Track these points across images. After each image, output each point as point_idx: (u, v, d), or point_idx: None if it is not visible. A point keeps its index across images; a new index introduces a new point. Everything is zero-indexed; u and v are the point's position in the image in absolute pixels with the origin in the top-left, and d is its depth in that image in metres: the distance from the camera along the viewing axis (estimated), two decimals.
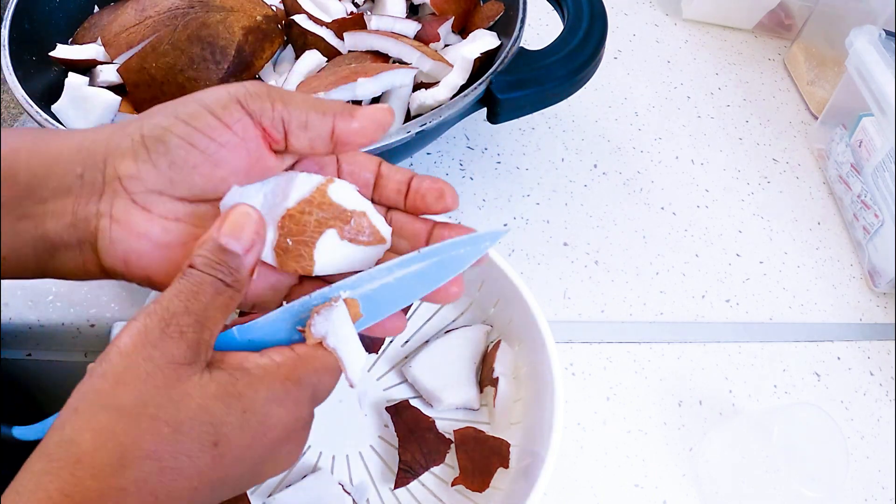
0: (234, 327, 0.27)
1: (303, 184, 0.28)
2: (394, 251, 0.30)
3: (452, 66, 0.50)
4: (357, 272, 0.28)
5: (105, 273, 0.26)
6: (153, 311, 0.23)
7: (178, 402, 0.23)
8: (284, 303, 0.28)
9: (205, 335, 0.24)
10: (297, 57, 0.51)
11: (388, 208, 0.31)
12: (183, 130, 0.25)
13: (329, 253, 0.28)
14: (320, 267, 0.28)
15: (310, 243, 0.28)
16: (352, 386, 0.27)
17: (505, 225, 0.30)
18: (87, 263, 0.26)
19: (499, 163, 0.62)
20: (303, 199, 0.28)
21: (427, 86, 0.50)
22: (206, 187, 0.26)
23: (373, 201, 0.30)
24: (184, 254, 0.26)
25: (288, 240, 0.28)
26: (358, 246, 0.28)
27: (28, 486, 0.21)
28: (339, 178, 0.30)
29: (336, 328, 0.27)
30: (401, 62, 0.51)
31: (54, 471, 0.21)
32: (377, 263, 0.29)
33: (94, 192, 0.25)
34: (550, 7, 0.57)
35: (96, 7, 0.56)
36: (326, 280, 0.29)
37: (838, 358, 0.57)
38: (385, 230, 0.29)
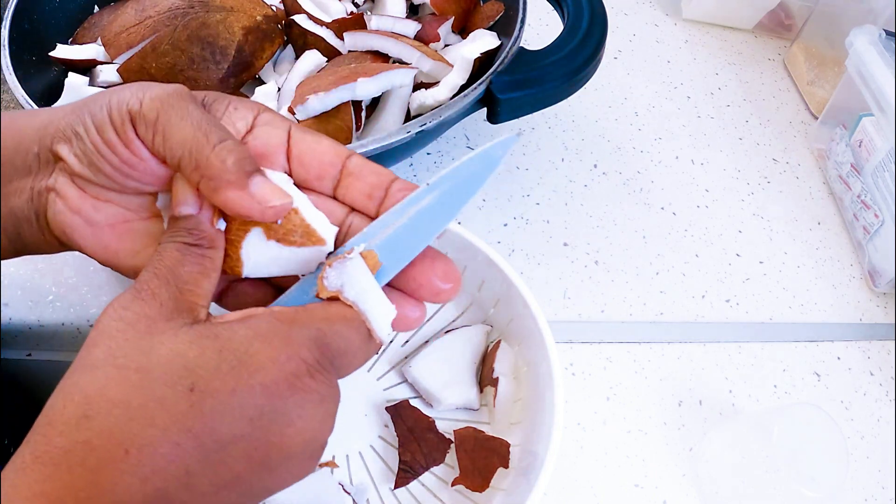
0: None
1: None
2: None
3: (452, 66, 0.50)
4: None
5: (62, 244, 0.27)
6: (128, 288, 0.24)
7: (149, 351, 0.22)
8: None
9: (185, 296, 0.24)
10: (297, 57, 0.52)
11: (352, 210, 0.28)
12: (93, 138, 0.25)
13: (257, 253, 0.26)
14: (250, 269, 0.26)
15: (236, 242, 0.26)
16: (381, 342, 0.26)
17: (519, 132, 0.28)
18: (46, 235, 0.27)
19: None
20: None
21: (427, 86, 0.50)
22: (124, 188, 0.27)
23: (335, 199, 0.28)
24: (111, 235, 0.27)
25: None
26: (289, 247, 0.26)
27: (12, 459, 0.21)
28: (289, 165, 0.28)
29: (354, 281, 0.25)
30: (401, 62, 0.51)
31: (30, 437, 0.21)
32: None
33: (47, 170, 0.26)
34: (550, 7, 0.57)
35: (96, 7, 0.56)
36: (272, 283, 0.28)
37: (838, 358, 0.57)
38: (325, 230, 0.26)
